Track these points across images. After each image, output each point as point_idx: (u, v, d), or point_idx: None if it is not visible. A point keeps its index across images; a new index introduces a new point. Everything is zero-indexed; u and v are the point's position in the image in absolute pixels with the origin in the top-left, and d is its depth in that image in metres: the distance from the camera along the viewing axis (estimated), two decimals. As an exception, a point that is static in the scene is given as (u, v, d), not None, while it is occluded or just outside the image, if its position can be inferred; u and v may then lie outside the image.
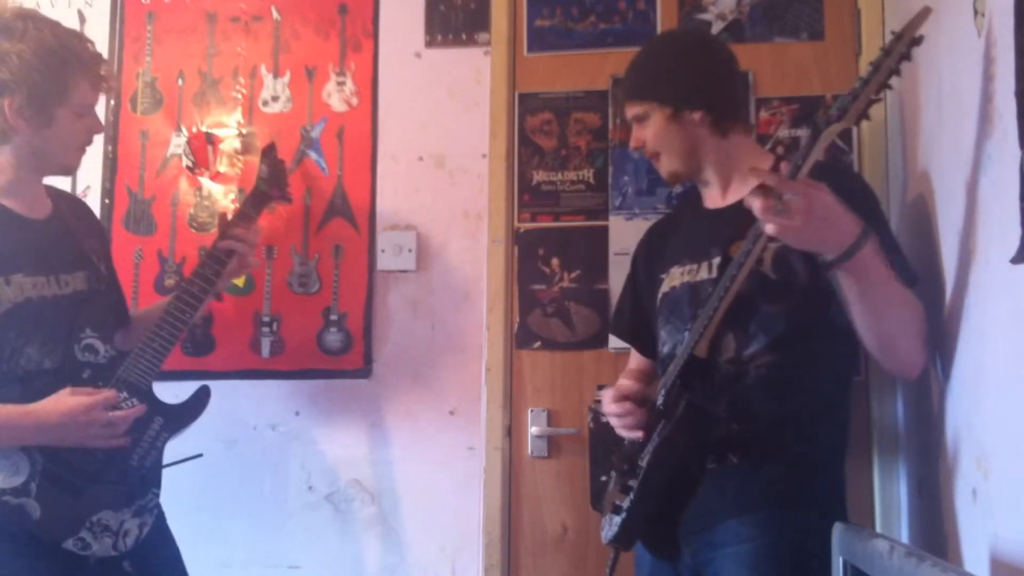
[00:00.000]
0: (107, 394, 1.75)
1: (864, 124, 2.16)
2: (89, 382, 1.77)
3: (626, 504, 1.68)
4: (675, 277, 1.80)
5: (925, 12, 1.37)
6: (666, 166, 1.83)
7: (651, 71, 1.84)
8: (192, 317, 1.89)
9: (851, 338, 1.58)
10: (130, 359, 1.82)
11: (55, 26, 1.79)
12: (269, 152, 2.13)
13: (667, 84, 1.80)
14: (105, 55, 1.87)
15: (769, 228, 1.41)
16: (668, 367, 1.69)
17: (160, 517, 1.90)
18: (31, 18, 1.76)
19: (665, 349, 1.79)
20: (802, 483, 1.64)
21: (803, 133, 2.22)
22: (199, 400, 1.93)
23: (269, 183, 2.08)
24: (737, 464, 1.65)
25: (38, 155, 1.79)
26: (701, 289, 1.71)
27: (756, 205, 1.40)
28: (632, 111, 1.83)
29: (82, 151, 1.87)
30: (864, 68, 1.46)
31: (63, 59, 1.76)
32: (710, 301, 1.60)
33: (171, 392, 1.95)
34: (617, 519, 1.71)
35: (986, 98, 1.35)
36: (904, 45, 1.37)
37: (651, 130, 1.80)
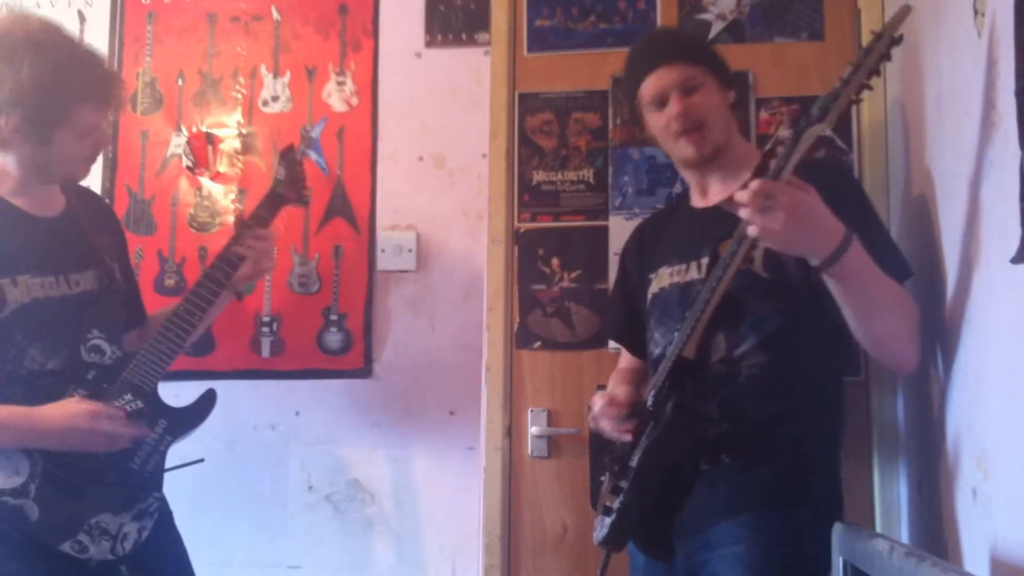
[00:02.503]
0: (114, 408, 1.73)
1: (865, 124, 2.20)
2: (93, 383, 1.76)
3: (616, 505, 1.66)
4: (664, 278, 1.79)
5: (904, 11, 1.37)
6: (709, 140, 1.74)
7: (696, 40, 1.81)
8: (200, 319, 1.85)
9: (845, 336, 1.57)
10: (136, 361, 1.80)
11: (64, 50, 1.72)
12: (287, 154, 2.07)
13: (713, 55, 1.79)
14: (105, 55, 1.84)
15: (751, 230, 1.40)
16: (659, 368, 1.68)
17: (166, 517, 1.88)
18: (37, 44, 1.69)
19: (657, 351, 1.77)
20: (796, 483, 1.63)
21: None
22: (205, 404, 1.91)
23: (286, 185, 2.02)
24: (730, 465, 1.64)
25: (40, 167, 1.76)
26: (691, 289, 1.70)
27: (741, 208, 1.39)
28: (681, 73, 1.73)
29: (90, 162, 1.83)
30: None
31: (65, 87, 1.70)
32: (697, 302, 1.58)
33: (171, 392, 1.95)
34: (608, 520, 1.69)
35: (987, 98, 1.35)
36: (884, 45, 1.36)
37: (703, 96, 1.73)
